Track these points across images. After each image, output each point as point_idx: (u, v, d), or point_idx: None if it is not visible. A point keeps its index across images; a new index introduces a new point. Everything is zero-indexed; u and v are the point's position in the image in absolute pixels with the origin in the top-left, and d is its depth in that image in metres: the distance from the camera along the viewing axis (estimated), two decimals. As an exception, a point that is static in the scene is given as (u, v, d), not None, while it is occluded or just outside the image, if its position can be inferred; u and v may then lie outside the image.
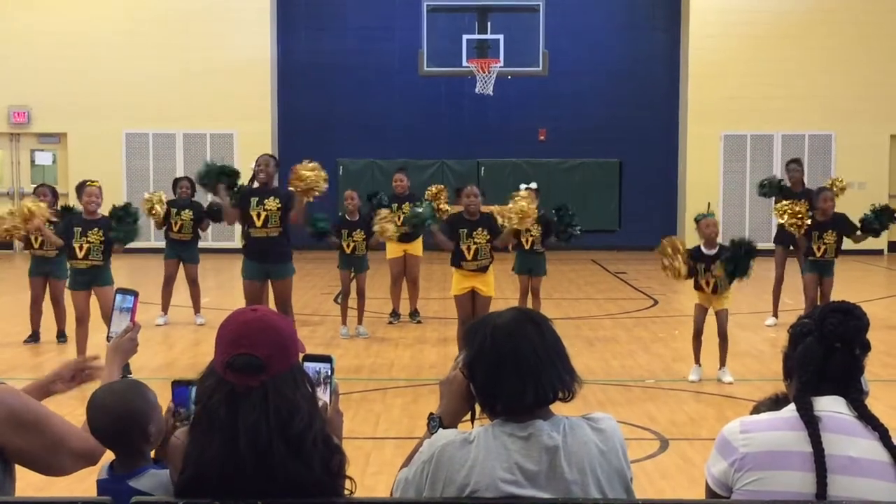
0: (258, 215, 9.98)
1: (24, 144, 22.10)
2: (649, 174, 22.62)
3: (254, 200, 10.05)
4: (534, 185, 11.75)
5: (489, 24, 19.78)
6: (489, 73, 19.21)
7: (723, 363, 9.58)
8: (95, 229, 9.81)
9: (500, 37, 19.47)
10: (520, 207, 9.80)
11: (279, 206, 10.02)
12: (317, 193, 10.16)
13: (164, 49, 21.31)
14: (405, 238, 12.59)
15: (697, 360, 9.63)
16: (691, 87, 21.89)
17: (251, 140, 21.00)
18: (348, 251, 11.93)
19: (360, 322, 12.01)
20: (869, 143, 21.65)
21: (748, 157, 21.82)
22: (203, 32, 21.39)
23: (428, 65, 19.73)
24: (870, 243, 21.36)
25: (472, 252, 9.76)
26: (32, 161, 22.21)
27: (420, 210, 10.84)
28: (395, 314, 12.92)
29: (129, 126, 21.63)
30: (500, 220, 9.91)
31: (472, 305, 9.87)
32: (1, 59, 21.37)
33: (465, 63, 19.41)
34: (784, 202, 11.29)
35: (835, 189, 12.38)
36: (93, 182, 10.19)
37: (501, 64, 19.32)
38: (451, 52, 19.48)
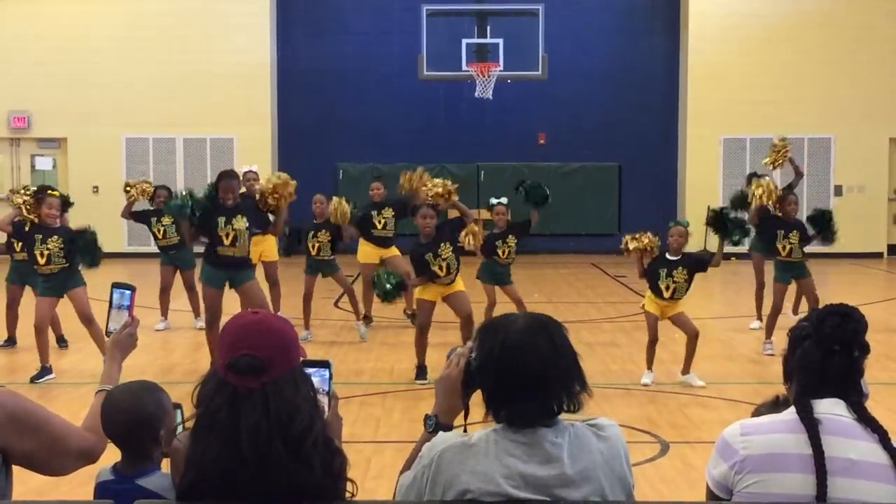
0: (227, 235, 9.75)
1: (25, 149, 22.12)
2: (649, 178, 22.64)
3: (221, 220, 9.72)
4: (504, 200, 11.70)
5: (488, 28, 19.81)
6: (489, 77, 19.23)
7: (687, 368, 9.57)
8: (55, 237, 9.78)
9: (500, 41, 19.50)
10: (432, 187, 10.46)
11: (247, 224, 9.86)
12: (287, 197, 10.14)
13: (164, 54, 21.34)
14: (383, 242, 12.54)
15: (650, 367, 9.68)
16: (691, 90, 21.91)
17: (251, 145, 21.03)
18: (313, 252, 11.90)
19: (358, 319, 12.04)
20: (868, 145, 21.66)
21: (748, 160, 21.81)
22: (203, 37, 21.41)
23: (427, 69, 19.75)
24: (869, 245, 21.45)
25: (444, 268, 9.78)
26: (32, 166, 22.23)
27: (385, 289, 10.08)
28: (366, 318, 12.65)
29: (128, 131, 21.65)
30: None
31: (450, 305, 9.93)
32: (1, 64, 21.40)
33: (464, 67, 19.43)
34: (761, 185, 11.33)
35: (779, 155, 12.52)
36: (53, 192, 10.09)
37: (501, 68, 19.34)
38: (450, 57, 19.50)
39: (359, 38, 22.53)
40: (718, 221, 9.95)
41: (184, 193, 10.00)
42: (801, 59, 21.51)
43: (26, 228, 10.06)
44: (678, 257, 9.59)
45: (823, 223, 11.31)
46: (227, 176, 10.02)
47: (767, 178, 11.77)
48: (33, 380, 9.67)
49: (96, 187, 21.30)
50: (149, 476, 3.16)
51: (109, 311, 3.50)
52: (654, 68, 22.78)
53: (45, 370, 9.81)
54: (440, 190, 10.41)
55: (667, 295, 9.53)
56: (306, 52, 22.63)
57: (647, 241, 9.75)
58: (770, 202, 11.15)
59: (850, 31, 21.48)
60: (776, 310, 11.13)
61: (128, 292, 3.50)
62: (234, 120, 21.45)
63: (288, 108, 22.56)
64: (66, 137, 21.77)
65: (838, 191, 21.57)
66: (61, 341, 11.35)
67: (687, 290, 9.62)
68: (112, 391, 3.22)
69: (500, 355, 2.70)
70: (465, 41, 19.58)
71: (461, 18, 20.50)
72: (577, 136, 22.48)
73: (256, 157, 19.20)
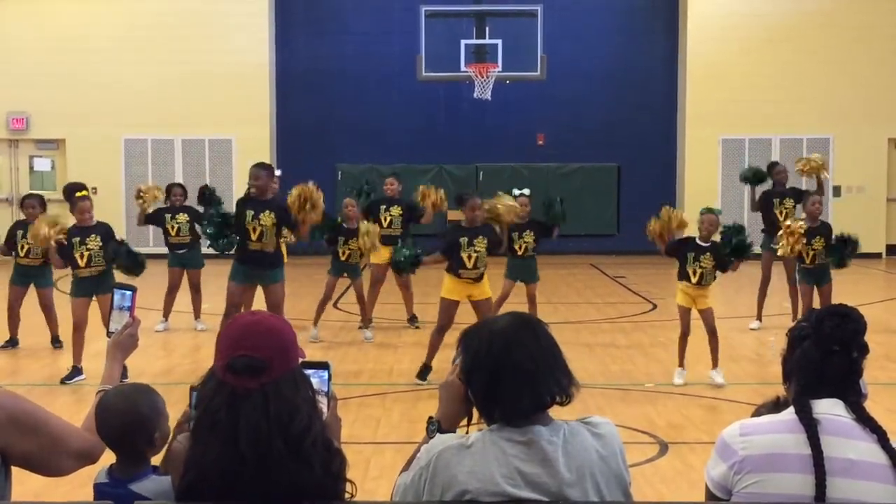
0: (254, 230, 9.83)
1: (23, 150, 22.10)
2: (648, 178, 22.63)
3: (249, 214, 9.84)
4: (526, 191, 11.74)
5: (487, 28, 19.80)
6: (487, 77, 19.22)
7: (715, 363, 9.58)
8: (93, 235, 9.80)
9: (499, 41, 19.47)
10: (503, 205, 10.32)
11: (275, 221, 9.90)
12: (315, 214, 10.11)
13: (163, 54, 21.32)
14: (391, 241, 12.55)
15: (682, 364, 9.66)
16: (689, 90, 21.90)
17: (250, 146, 21.01)
18: (343, 258, 11.91)
19: (366, 326, 12.04)
20: (867, 146, 21.66)
21: (746, 160, 21.78)
22: (201, 38, 21.39)
23: (426, 70, 19.74)
24: (868, 245, 21.44)
25: (472, 260, 9.76)
26: (31, 167, 22.21)
27: (401, 257, 10.42)
28: (367, 321, 12.53)
29: (127, 132, 21.63)
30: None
31: (476, 312, 9.88)
32: (-1, 64, 21.40)
33: (463, 68, 19.41)
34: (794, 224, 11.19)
35: (811, 167, 12.57)
36: (82, 192, 10.05)
37: (500, 69, 19.32)
38: (449, 57, 19.49)
39: (358, 38, 22.51)
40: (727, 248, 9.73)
41: (214, 219, 10.09)
42: (801, 59, 21.50)
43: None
44: (708, 244, 9.62)
45: (844, 250, 11.24)
46: (257, 165, 10.17)
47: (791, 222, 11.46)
48: (64, 380, 9.67)
49: (95, 188, 21.24)
50: (142, 480, 3.15)
51: (110, 311, 3.51)
52: (653, 68, 22.77)
53: (76, 370, 9.78)
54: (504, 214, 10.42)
55: (694, 280, 9.54)
56: (305, 53, 22.61)
57: (668, 218, 9.77)
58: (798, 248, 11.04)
59: (850, 30, 21.48)
60: (806, 308, 11.09)
61: (129, 293, 3.50)
62: (233, 120, 21.44)
63: (287, 109, 22.55)
64: (64, 138, 21.75)
65: (837, 191, 21.57)
66: (56, 342, 11.35)
67: (714, 277, 9.63)
68: (105, 394, 3.22)
69: (488, 354, 2.72)
70: (463, 42, 19.56)
71: (460, 19, 20.48)
72: (576, 137, 22.47)
73: (255, 158, 18.99)
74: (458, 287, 9.84)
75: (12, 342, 11.40)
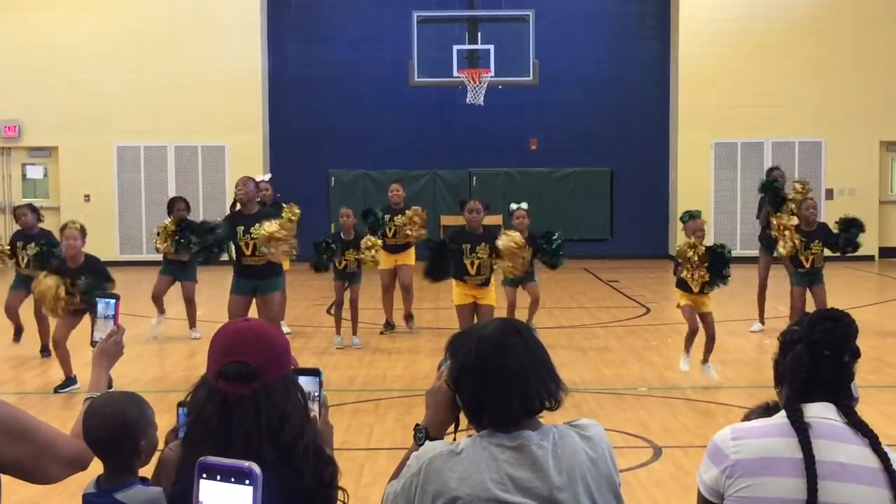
0: (246, 245, 9.84)
1: (15, 158, 22.07)
2: (641, 182, 22.67)
3: (240, 230, 9.84)
4: (524, 205, 11.71)
5: (479, 34, 19.82)
6: (480, 83, 19.24)
7: (706, 359, 9.67)
8: (79, 275, 9.65)
9: (491, 47, 19.50)
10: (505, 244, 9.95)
11: None
12: (285, 246, 9.94)
13: (156, 62, 21.32)
14: (396, 249, 12.62)
15: (687, 351, 9.75)
16: (682, 95, 21.94)
17: (243, 152, 21.02)
18: (340, 268, 11.92)
19: (354, 333, 12.01)
20: (859, 149, 21.72)
21: (739, 164, 21.88)
22: (194, 45, 21.39)
23: (418, 76, 19.75)
24: (860, 248, 21.47)
25: (475, 267, 9.81)
26: (24, 175, 22.19)
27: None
28: (388, 325, 12.93)
29: (120, 139, 21.62)
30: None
31: (475, 316, 9.91)
32: (-8, 73, 21.38)
33: (455, 73, 19.43)
34: (781, 218, 11.26)
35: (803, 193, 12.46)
36: (73, 224, 9.88)
37: (492, 74, 19.34)
38: (441, 63, 19.50)
39: (350, 45, 22.53)
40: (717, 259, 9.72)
41: (204, 242, 10.07)
42: (792, 63, 21.56)
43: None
44: (702, 252, 9.57)
45: (851, 233, 11.27)
46: (244, 176, 10.26)
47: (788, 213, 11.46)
48: (57, 389, 9.65)
49: (87, 196, 21.29)
50: (127, 490, 3.13)
51: (94, 321, 3.52)
52: (645, 73, 22.81)
53: (69, 379, 9.75)
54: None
55: (696, 289, 9.54)
56: (298, 60, 22.62)
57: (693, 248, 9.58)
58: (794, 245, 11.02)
59: (841, 35, 21.54)
60: (798, 314, 11.08)
61: (112, 302, 3.52)
62: (226, 128, 21.44)
63: (279, 116, 22.55)
64: (57, 146, 21.73)
65: (829, 194, 21.62)
66: (44, 351, 11.32)
67: (712, 287, 9.58)
68: (94, 399, 3.21)
69: (477, 357, 2.72)
70: (455, 47, 19.58)
71: (452, 25, 20.51)
72: (569, 142, 22.49)
73: (248, 165, 19.18)
74: (465, 291, 9.96)
75: (17, 334, 11.46)
